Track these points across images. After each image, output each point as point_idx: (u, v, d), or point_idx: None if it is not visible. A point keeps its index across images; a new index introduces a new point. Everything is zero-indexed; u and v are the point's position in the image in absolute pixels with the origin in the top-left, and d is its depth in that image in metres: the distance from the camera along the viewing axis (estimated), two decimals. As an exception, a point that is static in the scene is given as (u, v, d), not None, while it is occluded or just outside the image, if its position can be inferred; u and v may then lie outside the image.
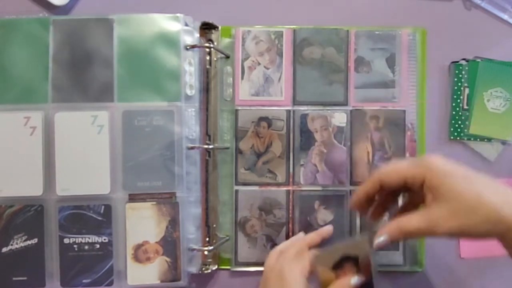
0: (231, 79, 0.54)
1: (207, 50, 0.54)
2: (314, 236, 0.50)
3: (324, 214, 0.53)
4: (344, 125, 0.53)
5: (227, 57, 0.55)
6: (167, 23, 0.51)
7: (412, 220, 0.38)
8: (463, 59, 0.55)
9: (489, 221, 0.35)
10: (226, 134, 0.55)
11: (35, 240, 0.50)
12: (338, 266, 0.43)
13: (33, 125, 0.50)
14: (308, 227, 0.53)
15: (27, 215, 0.50)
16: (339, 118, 0.53)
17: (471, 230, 0.36)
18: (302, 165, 0.53)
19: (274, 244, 0.53)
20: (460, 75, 0.55)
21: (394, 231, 0.39)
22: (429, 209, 0.37)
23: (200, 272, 0.52)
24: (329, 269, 0.43)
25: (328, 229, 0.52)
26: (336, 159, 0.53)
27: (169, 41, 0.51)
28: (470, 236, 0.37)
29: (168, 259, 0.50)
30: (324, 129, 0.53)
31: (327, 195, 0.53)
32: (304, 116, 0.53)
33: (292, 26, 0.55)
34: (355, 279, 0.41)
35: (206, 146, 0.53)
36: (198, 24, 0.54)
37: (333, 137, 0.53)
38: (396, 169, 0.40)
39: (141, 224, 0.50)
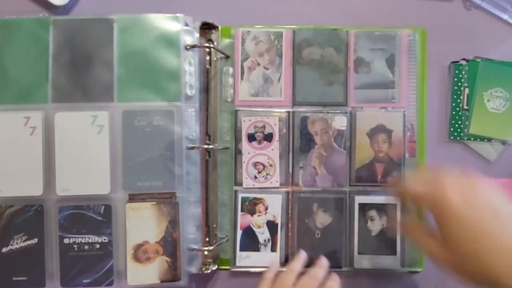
0: (232, 79, 0.54)
1: (207, 50, 0.54)
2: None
3: (322, 217, 0.53)
4: (344, 128, 0.53)
5: (227, 57, 0.55)
6: (167, 23, 0.51)
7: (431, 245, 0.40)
8: (463, 59, 0.55)
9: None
10: (226, 135, 0.55)
11: (35, 240, 0.50)
12: None
13: (33, 125, 0.50)
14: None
15: (27, 215, 0.50)
16: (340, 121, 0.53)
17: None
18: (301, 167, 0.53)
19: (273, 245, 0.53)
20: (460, 75, 0.55)
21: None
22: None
23: (200, 272, 0.52)
24: None
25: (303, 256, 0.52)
26: (336, 163, 0.53)
27: (169, 41, 0.51)
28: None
29: (168, 259, 0.50)
30: (324, 132, 0.53)
31: (326, 198, 0.53)
32: (304, 119, 0.53)
33: (291, 27, 0.54)
34: None
35: (206, 146, 0.53)
36: (198, 24, 0.54)
37: (333, 141, 0.53)
38: (412, 191, 0.41)
39: (141, 224, 0.50)
